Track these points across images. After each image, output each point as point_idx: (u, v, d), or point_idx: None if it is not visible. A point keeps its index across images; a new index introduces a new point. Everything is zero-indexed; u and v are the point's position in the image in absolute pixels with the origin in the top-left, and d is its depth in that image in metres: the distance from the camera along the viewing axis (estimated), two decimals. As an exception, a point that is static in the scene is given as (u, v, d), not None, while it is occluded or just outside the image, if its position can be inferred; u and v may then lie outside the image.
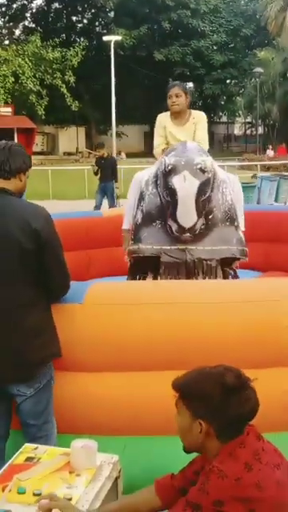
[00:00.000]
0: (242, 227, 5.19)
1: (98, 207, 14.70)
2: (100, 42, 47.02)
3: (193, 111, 5.51)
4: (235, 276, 5.26)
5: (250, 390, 2.21)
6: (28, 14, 55.54)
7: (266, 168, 30.70)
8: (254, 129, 57.22)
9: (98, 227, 7.45)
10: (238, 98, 55.83)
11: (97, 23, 55.73)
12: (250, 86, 50.39)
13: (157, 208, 4.98)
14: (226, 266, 5.07)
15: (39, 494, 2.32)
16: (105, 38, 43.52)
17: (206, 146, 5.25)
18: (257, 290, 3.76)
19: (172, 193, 4.67)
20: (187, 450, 2.33)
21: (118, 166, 16.21)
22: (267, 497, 2.06)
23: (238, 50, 53.44)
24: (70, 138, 52.16)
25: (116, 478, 2.59)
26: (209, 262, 4.87)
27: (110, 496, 2.48)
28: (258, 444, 2.20)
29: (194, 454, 2.38)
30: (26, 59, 33.67)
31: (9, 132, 32.94)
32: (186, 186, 4.62)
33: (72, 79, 33.78)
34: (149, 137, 56.86)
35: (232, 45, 53.45)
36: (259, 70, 43.86)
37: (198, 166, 4.65)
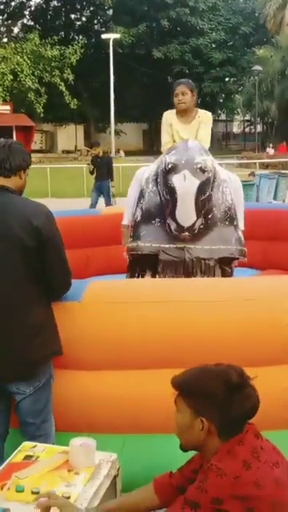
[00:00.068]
0: (241, 227, 5.19)
1: (93, 206, 14.68)
2: (99, 40, 47.05)
3: (199, 110, 5.46)
4: (231, 275, 5.25)
5: (251, 387, 2.21)
6: (26, 12, 55.58)
7: (265, 166, 30.71)
8: (252, 127, 57.30)
9: (97, 225, 7.44)
10: (236, 96, 55.93)
11: (95, 21, 55.78)
12: (249, 84, 50.43)
13: (156, 206, 4.98)
14: (224, 265, 5.07)
15: (38, 493, 2.31)
16: (103, 36, 43.57)
17: (207, 146, 5.23)
18: (256, 287, 3.76)
19: (172, 191, 4.67)
20: (184, 448, 2.33)
21: (117, 164, 16.23)
22: (266, 495, 2.06)
23: (237, 48, 53.48)
24: (69, 136, 52.17)
25: (115, 477, 2.59)
26: (207, 262, 4.86)
27: (108, 494, 2.48)
28: (256, 442, 2.20)
29: (193, 452, 2.37)
30: (25, 57, 33.63)
31: (7, 130, 32.95)
32: (185, 185, 4.62)
33: (71, 77, 33.74)
34: (147, 135, 57.20)
35: (231, 43, 53.49)
36: (258, 68, 43.91)
37: (199, 166, 4.64)
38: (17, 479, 2.42)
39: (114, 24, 48.39)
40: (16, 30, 52.75)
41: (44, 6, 55.66)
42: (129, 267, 5.40)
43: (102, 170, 14.81)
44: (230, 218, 5.00)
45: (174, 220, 4.71)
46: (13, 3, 54.14)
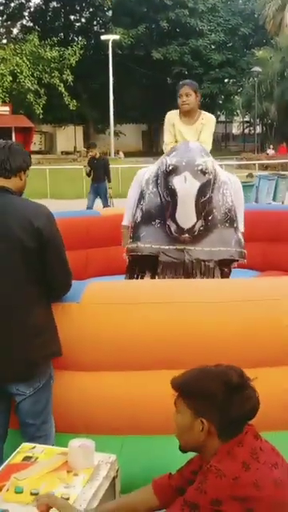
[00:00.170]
0: (241, 228, 5.19)
1: (90, 208, 14.65)
2: (98, 41, 47.08)
3: (203, 112, 5.46)
4: (228, 276, 5.25)
5: (251, 389, 2.21)
6: (26, 13, 55.54)
7: (264, 167, 30.73)
8: (252, 128, 57.33)
9: (96, 226, 7.44)
10: (236, 97, 55.94)
11: (95, 22, 55.79)
12: (248, 85, 50.47)
13: (156, 207, 4.98)
14: (224, 267, 5.07)
15: (37, 494, 2.32)
16: (103, 37, 43.66)
17: (209, 148, 5.23)
18: (256, 288, 3.76)
19: (172, 193, 4.67)
20: (183, 449, 2.33)
21: (116, 166, 16.18)
22: (265, 496, 2.06)
23: (236, 49, 53.49)
24: (68, 137, 52.18)
25: (114, 478, 2.59)
26: (207, 263, 4.86)
27: (107, 495, 2.48)
28: (255, 443, 2.19)
29: (192, 453, 2.37)
30: (24, 58, 33.66)
31: (6, 131, 32.99)
32: (186, 187, 4.62)
33: (70, 78, 33.77)
34: (147, 136, 57.26)
35: (230, 44, 53.50)
36: (257, 69, 43.93)
37: (199, 168, 4.65)
38: (16, 480, 2.41)
39: (114, 25, 48.41)
40: (15, 31, 52.80)
41: (43, 7, 55.66)
42: (128, 268, 5.40)
43: (99, 171, 14.75)
44: (230, 220, 5.01)
45: (175, 222, 4.71)
46: (12, 4, 54.13)
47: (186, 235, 4.75)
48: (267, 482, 2.08)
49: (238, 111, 57.26)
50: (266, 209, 9.53)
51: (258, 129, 54.04)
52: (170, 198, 4.73)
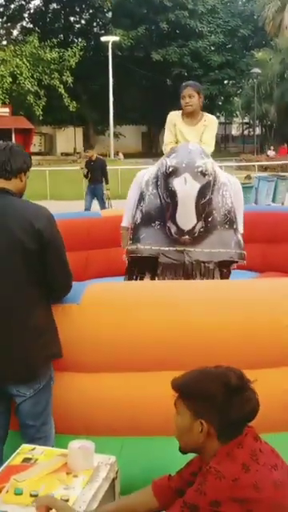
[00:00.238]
0: (241, 230, 5.19)
1: (88, 209, 14.62)
2: (98, 43, 47.08)
3: (205, 114, 5.49)
4: (228, 277, 5.26)
5: (250, 390, 2.21)
6: (26, 15, 55.52)
7: (264, 168, 30.73)
8: (251, 129, 57.33)
9: (97, 228, 7.44)
10: (235, 98, 55.92)
11: (95, 24, 55.76)
12: (248, 87, 50.49)
13: (156, 209, 4.98)
14: (223, 268, 5.07)
15: (36, 495, 2.32)
16: (103, 39, 43.65)
17: (210, 150, 5.23)
18: (256, 289, 3.76)
19: (172, 195, 4.67)
20: (183, 451, 2.33)
21: (116, 167, 16.12)
22: (264, 497, 2.06)
23: (236, 50, 53.47)
24: (68, 138, 52.19)
25: (113, 479, 2.59)
26: (207, 265, 4.87)
27: (107, 497, 2.48)
28: (255, 445, 2.19)
29: (192, 454, 2.37)
30: (24, 60, 33.63)
31: (6, 132, 32.98)
32: (186, 189, 4.62)
33: (70, 80, 33.75)
34: (146, 137, 57.25)
35: (230, 45, 53.48)
36: (257, 70, 43.94)
37: (199, 169, 4.65)
38: (15, 482, 2.42)
39: (113, 27, 48.38)
40: (15, 32, 52.77)
41: (43, 8, 55.65)
42: (127, 270, 5.40)
43: (96, 173, 14.68)
44: (229, 222, 5.01)
45: (175, 223, 4.72)
46: (12, 6, 54.13)
47: (186, 237, 4.75)
48: (267, 483, 2.08)
49: (238, 112, 57.27)
50: (266, 210, 9.52)
51: (258, 130, 54.08)
52: (170, 200, 4.73)
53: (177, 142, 5.41)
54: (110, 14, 52.88)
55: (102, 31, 51.62)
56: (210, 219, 4.90)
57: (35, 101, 33.79)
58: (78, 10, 55.03)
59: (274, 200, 16.56)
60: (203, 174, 4.66)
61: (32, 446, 2.75)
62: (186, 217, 4.69)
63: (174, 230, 4.74)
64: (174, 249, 4.87)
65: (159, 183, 4.96)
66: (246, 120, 59.81)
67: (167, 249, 4.88)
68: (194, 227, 4.72)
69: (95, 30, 55.19)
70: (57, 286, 3.21)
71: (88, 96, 48.78)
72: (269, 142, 48.38)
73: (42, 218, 3.04)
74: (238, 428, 2.20)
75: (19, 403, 3.13)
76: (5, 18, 52.95)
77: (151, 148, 52.59)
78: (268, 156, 39.84)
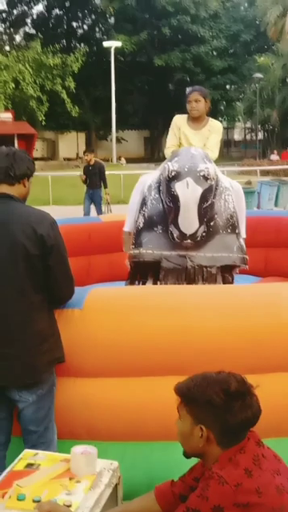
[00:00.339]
0: (243, 234, 5.19)
1: (87, 214, 14.59)
2: (100, 48, 47.17)
3: (211, 119, 5.52)
4: (231, 282, 5.25)
5: (252, 396, 2.21)
6: (28, 20, 55.79)
7: (266, 173, 30.72)
8: (253, 134, 57.35)
9: (98, 233, 7.44)
10: (237, 103, 55.93)
11: (97, 29, 55.87)
12: (250, 92, 50.52)
13: (159, 213, 4.98)
14: (226, 273, 5.07)
15: (39, 501, 2.31)
16: (105, 44, 43.70)
17: (215, 156, 5.24)
18: (258, 294, 3.75)
19: (174, 199, 4.67)
20: (187, 455, 2.33)
21: (118, 172, 16.06)
22: (267, 502, 2.06)
23: (238, 55, 53.54)
24: (70, 143, 52.27)
25: (116, 485, 2.58)
26: (209, 269, 4.86)
27: (109, 503, 2.48)
28: (258, 450, 2.19)
29: (195, 459, 2.37)
30: (27, 65, 33.73)
31: (9, 138, 32.98)
32: (188, 193, 4.62)
33: (72, 85, 33.85)
34: (149, 142, 57.26)
35: (232, 50, 53.56)
36: (259, 75, 43.98)
37: (202, 173, 4.64)
38: (18, 487, 2.41)
39: (116, 32, 48.49)
40: (18, 38, 53.00)
41: (46, 14, 55.86)
42: (130, 274, 5.40)
43: (95, 177, 14.58)
44: (232, 226, 5.01)
45: (177, 227, 4.71)
46: (15, 11, 54.38)
47: (189, 241, 4.74)
48: (269, 488, 2.08)
49: (240, 117, 57.28)
50: (268, 215, 9.52)
51: (260, 135, 54.10)
52: (172, 204, 4.72)
53: (179, 146, 5.42)
54: (112, 20, 53.05)
55: (105, 36, 51.70)
56: (212, 223, 4.89)
57: (38, 106, 33.89)
58: (80, 15, 55.21)
59: (276, 205, 16.56)
60: (205, 178, 4.66)
61: (34, 452, 2.74)
62: (189, 221, 4.68)
63: (176, 234, 4.74)
64: (177, 253, 4.87)
65: (161, 188, 4.96)
66: (248, 125, 59.87)
67: (169, 253, 4.88)
68: (196, 231, 4.71)
69: (98, 35, 55.29)
70: (59, 291, 3.21)
71: (90, 101, 48.89)
72: (271, 147, 48.39)
73: (44, 224, 3.05)
74: (238, 434, 2.20)
75: (22, 408, 3.13)
76: (8, 23, 53.16)
77: (153, 153, 52.65)
78: (271, 160, 39.80)
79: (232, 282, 5.22)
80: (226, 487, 2.05)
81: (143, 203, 5.12)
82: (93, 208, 14.85)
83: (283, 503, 2.09)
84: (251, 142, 58.49)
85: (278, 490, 2.09)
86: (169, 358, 3.38)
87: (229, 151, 59.78)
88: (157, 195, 5.04)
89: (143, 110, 53.09)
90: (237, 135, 66.63)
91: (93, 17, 55.30)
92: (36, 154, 43.22)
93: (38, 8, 56.17)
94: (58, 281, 3.14)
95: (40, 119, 34.52)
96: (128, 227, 5.40)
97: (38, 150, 46.88)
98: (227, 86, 54.96)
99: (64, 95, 33.83)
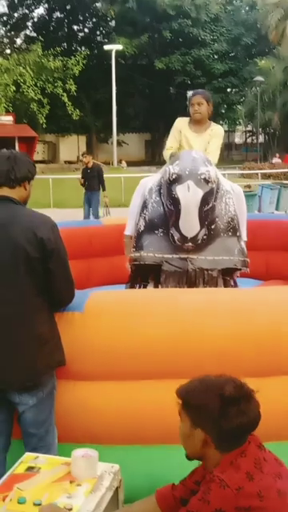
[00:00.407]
0: (244, 237, 5.19)
1: (87, 217, 14.59)
2: (101, 51, 47.22)
3: (213, 124, 5.54)
4: (235, 285, 5.25)
5: (249, 402, 2.20)
6: (29, 23, 55.87)
7: (267, 176, 30.70)
8: (254, 137, 57.39)
9: (99, 236, 7.44)
10: (238, 106, 55.98)
11: (98, 32, 56.01)
12: (251, 95, 50.53)
13: (160, 216, 4.98)
14: (227, 276, 5.06)
15: (39, 504, 2.31)
16: (106, 47, 43.76)
17: (215, 161, 5.24)
18: (259, 297, 3.75)
19: (175, 202, 4.66)
20: (189, 457, 2.33)
21: (119, 175, 16.04)
22: (268, 506, 2.06)
23: (239, 58, 53.58)
24: (71, 146, 52.33)
25: (117, 488, 2.58)
26: (210, 272, 4.86)
27: (110, 506, 2.47)
28: (259, 453, 2.19)
29: (196, 463, 2.37)
30: (28, 68, 33.67)
31: (10, 141, 33.02)
32: (189, 196, 4.61)
33: (73, 88, 33.79)
34: (149, 145, 57.31)
35: (233, 54, 53.61)
36: (260, 78, 44.01)
37: (203, 176, 4.63)
38: (19, 491, 2.41)
39: (117, 35, 48.57)
40: (19, 41, 53.04)
41: (47, 17, 55.98)
42: (130, 277, 5.40)
43: (93, 180, 14.57)
44: (233, 229, 5.00)
45: (178, 230, 4.70)
46: (16, 15, 54.47)
47: (190, 244, 4.74)
48: (271, 492, 2.08)
49: (241, 120, 57.34)
50: (269, 218, 9.51)
51: (261, 138, 54.13)
52: (173, 207, 4.72)
53: (180, 149, 5.42)
54: (113, 23, 53.14)
55: (106, 40, 51.83)
56: (213, 226, 4.89)
57: (38, 109, 33.82)
58: (81, 18, 55.30)
59: (277, 208, 16.56)
60: (206, 181, 4.65)
61: (35, 455, 2.74)
62: (189, 224, 4.68)
63: (177, 237, 4.73)
64: (178, 256, 4.86)
65: (162, 191, 4.95)
66: (249, 128, 59.94)
67: (170, 256, 4.87)
68: (197, 234, 4.70)
69: (98, 38, 55.45)
70: (60, 294, 3.21)
71: (91, 104, 48.95)
72: (272, 150, 48.43)
73: (45, 227, 3.05)
74: (236, 438, 2.19)
75: (22, 411, 3.12)
76: (8, 26, 53.22)
77: (154, 156, 52.68)
78: (272, 163, 39.75)
79: (235, 286, 5.22)
80: (227, 491, 2.05)
81: (144, 206, 5.11)
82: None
83: (285, 507, 2.09)
84: (252, 145, 58.55)
85: (279, 494, 2.09)
86: (169, 361, 3.38)
87: (230, 154, 59.83)
88: (158, 198, 5.04)
89: (144, 113, 53.15)
90: (238, 138, 66.72)
91: (94, 20, 55.40)
92: (37, 156, 43.24)
93: (39, 11, 56.41)
94: (58, 284, 3.14)
95: (41, 122, 34.43)
96: (129, 231, 5.40)
97: (39, 152, 46.91)
98: (228, 89, 55.03)
99: (65, 98, 33.74)
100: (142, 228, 5.05)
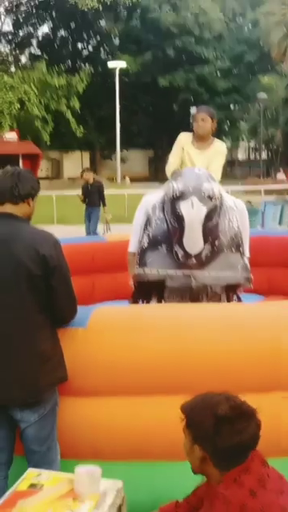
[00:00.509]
0: (247, 253, 5.19)
1: (89, 234, 14.62)
2: (105, 69, 47.50)
3: (215, 140, 5.55)
4: (239, 301, 5.25)
5: (247, 420, 2.18)
6: (34, 41, 56.25)
7: (270, 192, 30.73)
8: (257, 153, 57.55)
9: (102, 252, 7.46)
10: (241, 123, 56.20)
11: (102, 50, 56.35)
12: (254, 112, 50.75)
13: (163, 233, 4.97)
14: (230, 292, 5.06)
15: (42, 521, 2.30)
16: (110, 65, 44.01)
17: (218, 177, 5.25)
18: (262, 313, 3.75)
19: (179, 219, 4.66)
20: (193, 472, 2.32)
21: (122, 191, 16.05)
22: (272, 523, 2.05)
23: (242, 76, 53.85)
24: (75, 163, 52.48)
25: (120, 505, 2.57)
26: (214, 288, 4.86)
27: (113, 523, 2.46)
28: (262, 470, 2.18)
29: (199, 479, 2.36)
30: (32, 85, 33.93)
31: (14, 158, 33.15)
32: (193, 213, 4.61)
33: (77, 105, 34.04)
34: (153, 162, 57.48)
35: (236, 71, 53.88)
36: (263, 95, 44.21)
37: (206, 193, 4.63)
38: (22, 508, 2.40)
39: (121, 53, 48.89)
40: (23, 59, 53.39)
41: (51, 35, 56.39)
42: (133, 294, 5.39)
43: (93, 196, 14.59)
44: (236, 245, 5.00)
45: (182, 247, 4.70)
46: (21, 33, 54.91)
47: (193, 260, 4.74)
48: (273, 508, 2.07)
49: (244, 137, 57.55)
50: (272, 234, 9.52)
51: (264, 154, 54.29)
52: (177, 224, 4.72)
53: (181, 165, 5.44)
54: (117, 41, 53.50)
55: (109, 57, 52.11)
56: (216, 243, 4.89)
57: (43, 126, 34.05)
58: (85, 36, 55.65)
59: (280, 224, 16.56)
60: (210, 197, 4.65)
61: (38, 471, 2.73)
62: (193, 240, 4.68)
63: (181, 254, 4.73)
64: (181, 273, 4.86)
65: (166, 207, 4.96)
66: (252, 144, 60.14)
67: (174, 272, 4.87)
68: (201, 251, 4.70)
69: (102, 56, 55.76)
70: (62, 311, 3.21)
71: (95, 121, 49.17)
72: (275, 166, 48.57)
73: (47, 244, 3.06)
74: (233, 457, 2.18)
75: (24, 428, 3.12)
76: (13, 44, 53.63)
77: (157, 172, 52.76)
78: (277, 179, 39.76)
79: (239, 301, 5.22)
80: (230, 507, 2.04)
81: (148, 223, 5.11)
82: (98, 227, 14.89)
83: (288, 524, 2.08)
84: (255, 161, 58.68)
85: (282, 510, 2.08)
86: (172, 377, 3.37)
87: (233, 170, 59.95)
88: (161, 215, 5.04)
89: (147, 129, 53.36)
90: (241, 154, 66.87)
91: (98, 38, 55.77)
92: (41, 173, 43.40)
93: (44, 29, 56.74)
94: (61, 301, 3.15)
95: (45, 139, 34.69)
96: (132, 248, 5.40)
97: (43, 169, 47.10)
98: (231, 106, 55.28)
99: (69, 115, 34.01)
100: (146, 245, 5.05)
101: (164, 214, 4.99)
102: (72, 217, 21.79)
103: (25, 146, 38.19)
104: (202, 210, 4.61)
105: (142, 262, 5.03)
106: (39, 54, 53.36)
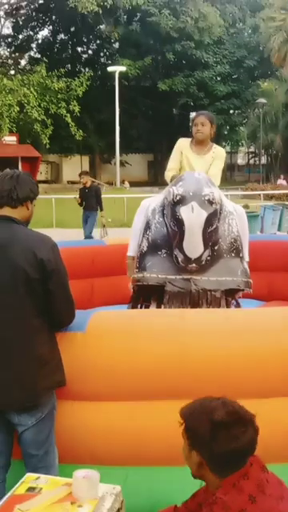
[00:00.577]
0: (246, 258, 5.19)
1: (87, 237, 14.62)
2: (105, 73, 47.56)
3: (215, 146, 5.56)
4: (237, 306, 5.25)
5: (244, 426, 2.17)
6: (34, 45, 56.38)
7: (270, 197, 30.78)
8: (257, 158, 57.62)
9: (101, 256, 7.45)
10: (241, 128, 56.25)
11: (101, 54, 56.43)
12: (254, 117, 50.80)
13: (163, 237, 4.98)
14: (229, 297, 5.06)
15: (40, 525, 2.29)
16: (109, 69, 44.06)
17: (218, 183, 5.26)
18: (262, 318, 3.75)
19: (179, 223, 4.66)
20: (193, 477, 2.32)
21: (122, 195, 16.05)
22: (271, 529, 2.04)
23: (242, 80, 53.91)
24: (74, 166, 52.48)
25: (118, 510, 2.56)
26: (213, 293, 4.85)
27: (111, 528, 2.45)
28: (262, 475, 2.17)
29: (198, 483, 2.36)
30: (32, 89, 33.93)
31: (13, 161, 33.16)
32: (193, 217, 4.61)
33: (77, 109, 34.02)
34: (152, 166, 57.53)
35: (235, 76, 53.95)
36: (262, 100, 44.27)
37: (206, 198, 4.64)
38: (20, 511, 2.39)
39: (120, 57, 48.94)
40: (23, 62, 53.40)
41: (51, 39, 56.48)
42: (132, 298, 5.39)
43: (91, 200, 14.57)
44: (236, 250, 5.01)
45: (182, 251, 4.70)
46: (20, 36, 55.00)
47: (193, 265, 4.74)
48: (273, 514, 2.06)
49: (243, 142, 57.60)
50: (271, 239, 9.52)
51: (263, 159, 54.34)
52: (177, 228, 4.72)
53: (180, 169, 5.44)
54: (116, 45, 53.56)
55: (109, 61, 52.21)
56: (216, 247, 4.89)
57: (42, 129, 34.02)
58: (85, 40, 55.75)
59: (279, 229, 16.59)
60: (210, 202, 4.66)
61: (36, 475, 2.72)
62: (193, 245, 4.68)
63: (180, 258, 4.73)
64: (181, 277, 4.86)
65: (166, 211, 4.96)
66: (252, 149, 60.18)
67: (174, 277, 4.87)
68: (201, 255, 4.70)
69: (102, 60, 55.86)
70: (59, 315, 3.20)
71: (94, 125, 49.20)
72: (274, 171, 48.61)
73: (44, 248, 3.05)
74: (230, 462, 2.17)
75: (21, 432, 3.11)
76: (13, 47, 53.70)
77: (157, 177, 52.84)
78: (277, 185, 39.76)
79: (238, 306, 5.22)
80: (229, 513, 2.04)
81: (147, 227, 5.11)
82: (95, 231, 14.87)
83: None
84: (255, 166, 58.75)
85: (282, 517, 2.07)
86: (171, 382, 3.37)
87: (232, 175, 60.03)
88: (161, 219, 5.05)
89: (147, 134, 53.42)
90: (240, 159, 66.96)
91: (97, 42, 55.85)
92: (40, 176, 43.44)
93: (44, 33, 56.87)
94: (59, 305, 3.14)
95: (44, 142, 34.64)
96: (132, 252, 5.40)
97: (42, 172, 47.15)
98: (231, 111, 55.32)
99: (68, 119, 33.98)
100: (145, 249, 5.06)
101: (164, 218, 5.00)
102: (71, 220, 21.77)
103: (24, 149, 38.25)
104: (202, 215, 4.62)
105: (141, 266, 5.03)
106: (39, 57, 53.39)
